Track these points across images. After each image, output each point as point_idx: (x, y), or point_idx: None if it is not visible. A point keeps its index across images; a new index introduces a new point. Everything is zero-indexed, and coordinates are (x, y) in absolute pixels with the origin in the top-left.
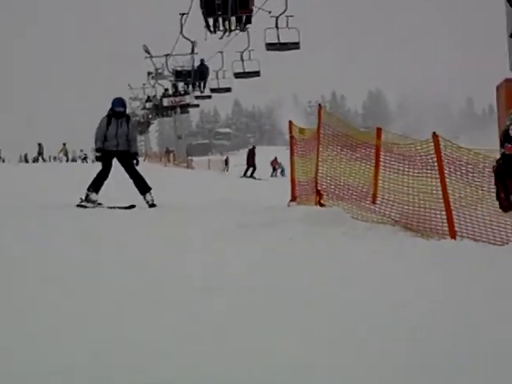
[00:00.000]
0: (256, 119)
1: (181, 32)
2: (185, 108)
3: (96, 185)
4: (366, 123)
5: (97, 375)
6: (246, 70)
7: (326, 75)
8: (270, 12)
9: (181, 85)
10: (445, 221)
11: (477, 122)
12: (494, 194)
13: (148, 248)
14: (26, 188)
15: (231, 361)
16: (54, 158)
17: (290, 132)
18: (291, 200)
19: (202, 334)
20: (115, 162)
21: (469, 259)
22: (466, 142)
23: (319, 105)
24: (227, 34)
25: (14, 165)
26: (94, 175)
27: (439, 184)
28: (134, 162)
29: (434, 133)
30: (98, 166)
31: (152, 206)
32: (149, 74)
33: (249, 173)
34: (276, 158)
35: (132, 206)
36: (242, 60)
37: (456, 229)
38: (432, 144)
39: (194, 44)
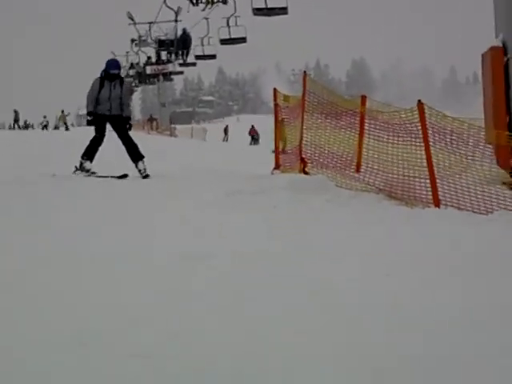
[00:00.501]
0: (240, 87)
1: (164, 1)
2: (168, 76)
3: (90, 152)
4: (349, 91)
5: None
6: (233, 37)
7: (309, 43)
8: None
9: (164, 53)
10: (429, 189)
11: (460, 91)
12: (479, 164)
13: (138, 219)
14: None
15: (218, 329)
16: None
17: (275, 100)
18: (275, 168)
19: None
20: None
21: (452, 226)
22: (450, 111)
23: (304, 72)
24: (209, 6)
25: None
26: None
27: (424, 153)
28: (127, 126)
29: (419, 101)
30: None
31: (145, 176)
32: (132, 41)
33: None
34: (253, 127)
35: (124, 176)
36: (229, 26)
37: (440, 197)
38: (417, 112)
39: (177, 13)
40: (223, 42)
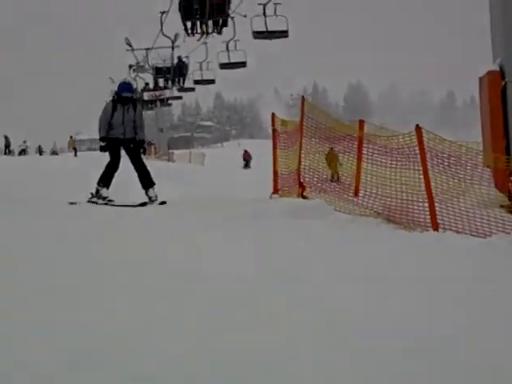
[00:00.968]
0: (238, 112)
1: (161, 29)
2: (165, 102)
3: (106, 179)
4: (347, 115)
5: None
6: (232, 61)
7: (307, 67)
8: (245, 16)
9: (161, 80)
10: (427, 213)
11: (458, 115)
12: (477, 187)
13: (143, 242)
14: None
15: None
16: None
17: (273, 125)
18: (273, 192)
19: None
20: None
21: (450, 250)
22: (448, 135)
23: (302, 97)
24: (204, 36)
25: None
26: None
27: (422, 176)
28: (141, 150)
29: (417, 125)
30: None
31: (143, 203)
32: (130, 66)
33: None
34: (246, 151)
35: (144, 204)
36: (228, 50)
37: (439, 221)
38: (415, 136)
39: (174, 40)
40: (223, 66)
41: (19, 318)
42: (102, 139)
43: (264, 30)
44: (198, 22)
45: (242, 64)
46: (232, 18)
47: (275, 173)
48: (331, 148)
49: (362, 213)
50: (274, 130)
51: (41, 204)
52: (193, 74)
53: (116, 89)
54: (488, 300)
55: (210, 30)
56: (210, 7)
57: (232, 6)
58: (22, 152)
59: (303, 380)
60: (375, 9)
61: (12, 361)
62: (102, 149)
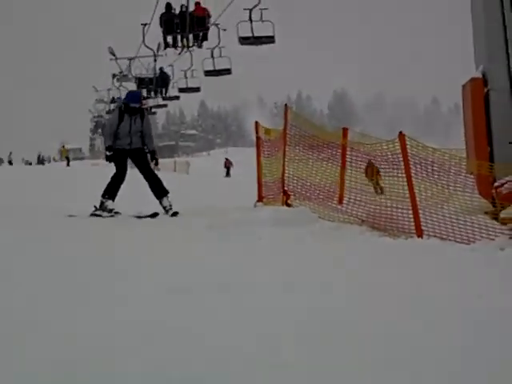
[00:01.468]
0: (222, 120)
1: (143, 41)
2: (149, 111)
3: (111, 191)
4: (331, 123)
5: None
6: (217, 68)
7: (291, 75)
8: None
9: (144, 90)
10: (412, 220)
11: (442, 121)
12: (461, 194)
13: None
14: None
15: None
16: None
17: (257, 133)
18: (258, 200)
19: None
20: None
21: (435, 257)
22: (432, 142)
23: (285, 105)
24: (185, 50)
25: None
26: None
27: (406, 183)
28: (154, 161)
29: (401, 132)
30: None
31: (173, 214)
32: (114, 76)
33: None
34: (227, 159)
35: (155, 214)
36: (213, 57)
37: (423, 228)
38: (398, 143)
39: (156, 52)
40: (208, 73)
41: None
42: (107, 148)
43: (250, 35)
44: (179, 36)
45: (227, 71)
46: (217, 24)
47: (259, 181)
48: (370, 161)
49: (346, 220)
50: (257, 138)
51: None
52: (177, 82)
53: (124, 98)
54: (473, 304)
55: (190, 44)
56: (191, 21)
57: (216, 16)
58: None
59: None
60: (360, 17)
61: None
62: (108, 159)
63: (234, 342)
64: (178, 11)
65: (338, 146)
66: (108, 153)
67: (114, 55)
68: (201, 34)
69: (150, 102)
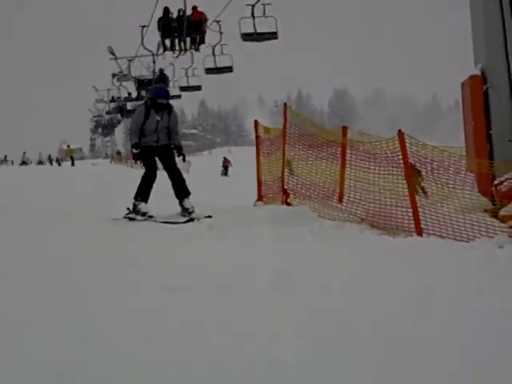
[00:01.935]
0: (222, 120)
1: (141, 43)
2: None
3: (143, 192)
4: (331, 121)
5: None
6: (218, 66)
7: (291, 74)
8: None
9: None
10: (411, 218)
11: (442, 119)
12: (460, 192)
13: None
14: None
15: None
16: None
17: (256, 132)
18: (258, 200)
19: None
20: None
21: (434, 255)
22: (432, 140)
23: (285, 104)
24: (183, 53)
25: None
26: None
27: (405, 181)
28: (180, 157)
29: (400, 130)
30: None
31: (190, 220)
32: (113, 75)
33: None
34: (226, 158)
35: (191, 220)
36: (214, 55)
37: (422, 226)
38: (397, 141)
39: (155, 53)
40: (209, 71)
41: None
42: (134, 146)
43: (253, 31)
44: (177, 40)
45: (229, 69)
46: (218, 21)
47: (259, 180)
48: (411, 164)
49: (346, 219)
50: (257, 137)
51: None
52: (178, 80)
53: (150, 93)
54: (473, 303)
55: (188, 47)
56: (188, 25)
57: (218, 12)
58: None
59: None
60: (360, 14)
61: None
62: (135, 156)
63: (234, 342)
64: (175, 15)
65: (337, 145)
66: (135, 150)
67: (114, 55)
68: (198, 38)
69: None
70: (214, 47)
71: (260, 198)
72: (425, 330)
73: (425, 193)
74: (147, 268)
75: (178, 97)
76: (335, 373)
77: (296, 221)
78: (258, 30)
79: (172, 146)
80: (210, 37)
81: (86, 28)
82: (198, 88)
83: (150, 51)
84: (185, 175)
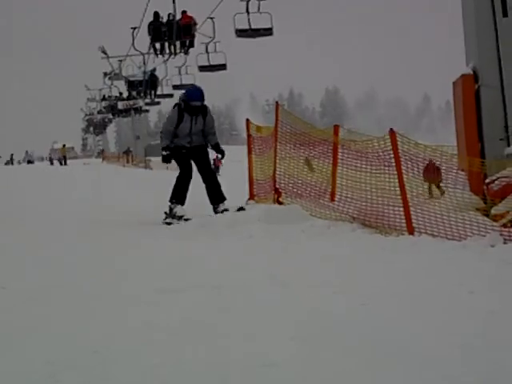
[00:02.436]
0: (214, 118)
1: (132, 44)
2: (139, 110)
3: (179, 194)
4: (323, 121)
5: None
6: (212, 63)
7: (283, 73)
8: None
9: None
10: (403, 217)
11: (434, 118)
12: (452, 190)
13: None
14: None
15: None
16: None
17: (248, 130)
18: (249, 199)
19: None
20: None
21: (426, 254)
22: (424, 139)
23: (276, 102)
24: (172, 56)
25: None
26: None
27: (397, 180)
28: (221, 155)
29: (391, 129)
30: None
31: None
32: (105, 74)
33: None
34: (217, 158)
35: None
36: (208, 52)
37: (414, 225)
38: (389, 140)
39: (144, 56)
40: (202, 69)
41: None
42: (164, 148)
43: (247, 27)
44: (166, 44)
45: (222, 66)
46: (212, 18)
47: (251, 179)
48: (431, 161)
49: (337, 218)
50: (248, 136)
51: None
52: (171, 78)
53: (182, 94)
54: (464, 302)
55: (177, 51)
56: (177, 29)
57: (212, 8)
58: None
59: None
60: (351, 15)
61: None
62: (165, 159)
63: (229, 342)
64: (165, 19)
65: (329, 144)
66: (164, 152)
67: (106, 54)
68: (187, 41)
69: (140, 102)
70: (207, 45)
71: (252, 197)
72: (416, 331)
73: (442, 193)
74: (139, 269)
75: (171, 96)
76: (335, 373)
77: (288, 220)
78: (253, 26)
79: (208, 146)
80: (203, 35)
81: (78, 27)
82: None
83: (140, 52)
84: (176, 175)
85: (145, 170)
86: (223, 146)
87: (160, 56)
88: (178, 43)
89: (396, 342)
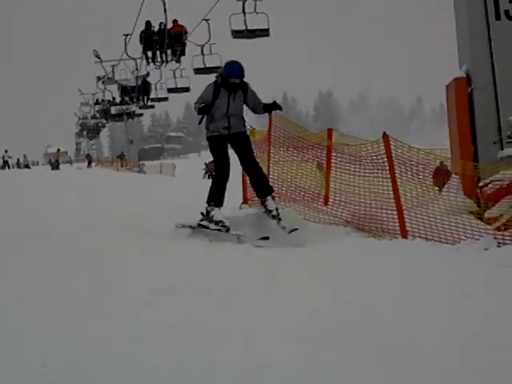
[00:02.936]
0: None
1: (125, 50)
2: (132, 115)
3: (216, 195)
4: (317, 124)
5: None
6: (207, 66)
7: (276, 77)
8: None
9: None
10: (396, 221)
11: (427, 121)
12: (445, 194)
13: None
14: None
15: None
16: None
17: None
18: (243, 202)
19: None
20: None
21: (420, 258)
22: (417, 142)
23: None
24: (164, 64)
25: None
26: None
27: (390, 184)
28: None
29: (385, 133)
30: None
31: (281, 220)
32: (98, 78)
33: None
34: (208, 163)
35: (265, 238)
36: (203, 54)
37: (408, 228)
38: (382, 144)
39: (137, 62)
40: (198, 71)
41: None
42: (198, 107)
43: (243, 28)
44: (158, 52)
45: (218, 69)
46: (207, 20)
47: (244, 183)
48: (442, 163)
49: (331, 221)
50: None
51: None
52: (166, 82)
53: (221, 70)
54: (458, 305)
55: (169, 59)
56: (169, 38)
57: (207, 10)
58: (5, 164)
59: None
60: (345, 17)
61: None
62: (201, 111)
63: (229, 342)
64: (157, 28)
65: (322, 147)
66: (199, 105)
67: (99, 58)
68: (179, 50)
69: (133, 107)
70: (202, 47)
71: (246, 200)
72: (412, 332)
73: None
74: (134, 271)
75: (165, 99)
76: (334, 373)
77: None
78: (249, 27)
79: (262, 111)
80: (199, 36)
81: (72, 31)
82: (187, 89)
83: (133, 59)
84: (170, 179)
85: (139, 174)
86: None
87: (152, 64)
88: (169, 51)
89: (396, 342)
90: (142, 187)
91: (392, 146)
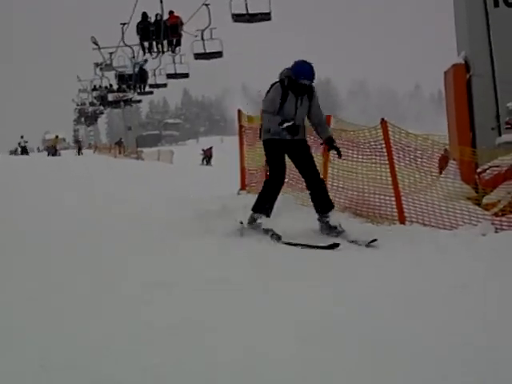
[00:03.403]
0: (206, 109)
1: (122, 39)
2: (129, 102)
3: (265, 203)
4: None
5: None
6: (208, 51)
7: (275, 64)
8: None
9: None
10: (394, 206)
11: (426, 108)
12: (443, 179)
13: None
14: None
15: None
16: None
17: (239, 121)
18: (241, 189)
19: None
20: None
21: (417, 243)
22: (415, 128)
23: None
24: (160, 54)
25: None
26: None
27: (388, 170)
28: (337, 151)
29: (383, 119)
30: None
31: (335, 245)
32: (96, 65)
33: None
34: (211, 148)
35: (334, 246)
36: (203, 39)
37: (405, 214)
38: (380, 130)
39: (134, 51)
40: (198, 56)
41: None
42: (281, 123)
43: (244, 12)
44: (154, 43)
45: (219, 54)
46: (207, 4)
47: (242, 169)
48: (446, 150)
49: None
50: (240, 126)
51: None
52: (165, 68)
53: (289, 69)
54: (456, 294)
55: (165, 49)
56: (165, 29)
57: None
58: (24, 150)
59: None
60: (343, 5)
61: None
62: (292, 129)
63: (229, 342)
64: (153, 19)
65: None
66: (287, 124)
67: (97, 45)
68: (174, 40)
69: (130, 94)
70: (202, 31)
71: (243, 186)
72: (412, 332)
73: None
74: (134, 264)
75: (164, 86)
76: (333, 373)
77: (280, 210)
78: (250, 11)
79: (325, 138)
80: (198, 20)
81: (70, 17)
82: (186, 75)
83: (130, 47)
84: (169, 166)
85: (136, 160)
86: (229, 137)
87: (148, 54)
88: (165, 42)
89: (396, 342)
90: (141, 177)
91: (390, 132)
